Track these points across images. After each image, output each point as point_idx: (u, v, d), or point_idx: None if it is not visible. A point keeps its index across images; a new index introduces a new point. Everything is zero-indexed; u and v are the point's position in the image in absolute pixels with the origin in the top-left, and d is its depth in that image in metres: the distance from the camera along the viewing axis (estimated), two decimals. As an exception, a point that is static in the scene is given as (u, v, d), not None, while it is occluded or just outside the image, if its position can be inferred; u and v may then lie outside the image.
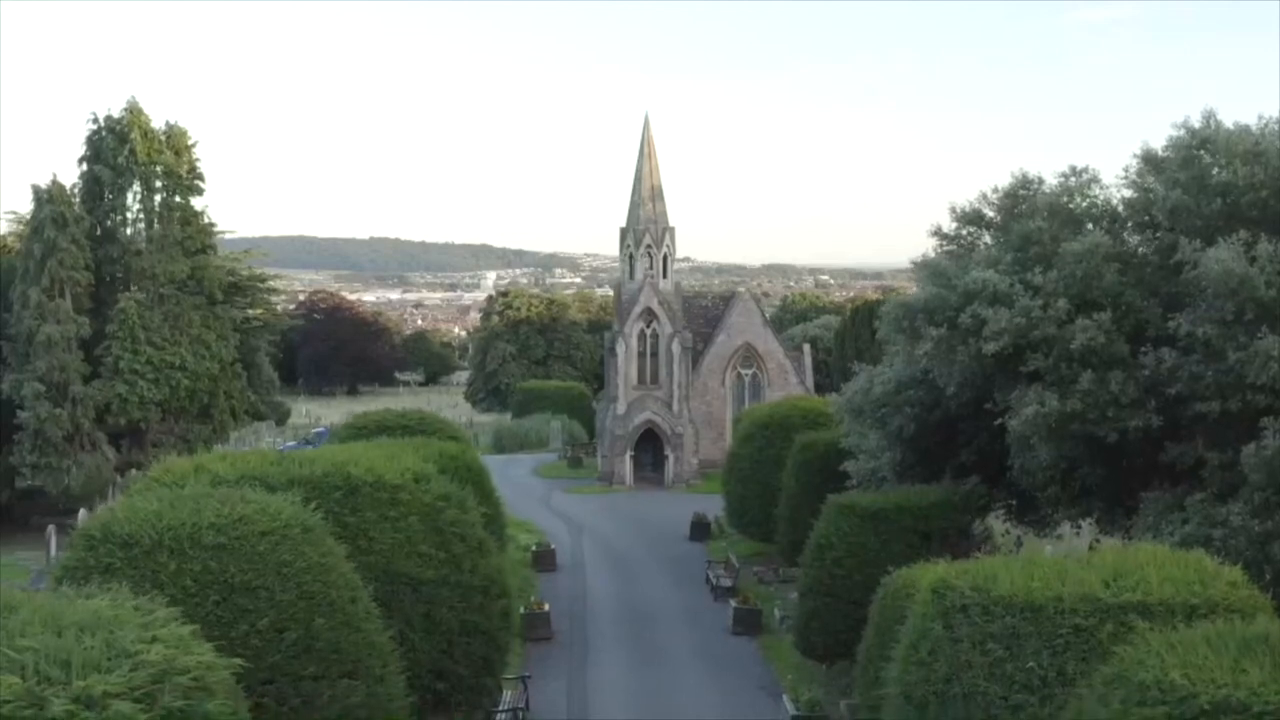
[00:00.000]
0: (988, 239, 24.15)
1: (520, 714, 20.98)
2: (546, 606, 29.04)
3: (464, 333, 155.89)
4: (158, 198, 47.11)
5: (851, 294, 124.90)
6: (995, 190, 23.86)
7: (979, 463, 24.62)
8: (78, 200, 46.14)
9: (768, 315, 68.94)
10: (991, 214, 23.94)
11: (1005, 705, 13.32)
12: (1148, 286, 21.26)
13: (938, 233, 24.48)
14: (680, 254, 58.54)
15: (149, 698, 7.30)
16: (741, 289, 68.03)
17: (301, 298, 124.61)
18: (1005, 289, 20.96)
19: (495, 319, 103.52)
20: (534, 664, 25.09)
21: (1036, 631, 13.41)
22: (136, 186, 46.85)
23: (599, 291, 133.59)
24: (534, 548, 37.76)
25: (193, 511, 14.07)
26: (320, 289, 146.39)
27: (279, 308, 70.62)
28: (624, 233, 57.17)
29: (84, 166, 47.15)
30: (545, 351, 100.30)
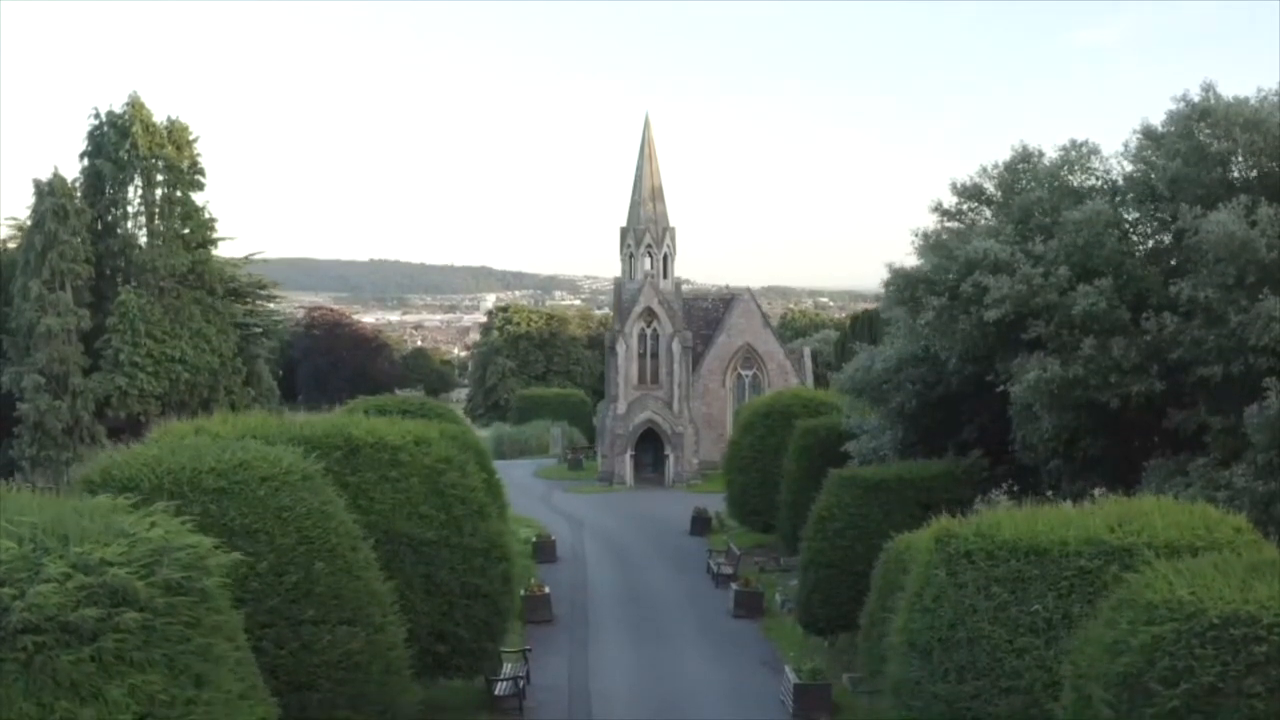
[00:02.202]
0: (988, 214, 24.14)
1: (520, 683, 20.84)
2: (546, 589, 28.91)
3: (464, 353, 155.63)
4: (159, 192, 47.14)
5: (851, 315, 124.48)
6: (995, 165, 23.86)
7: (981, 440, 24.54)
8: (79, 194, 46.14)
9: (767, 329, 68.56)
10: (991, 189, 23.93)
11: (1010, 648, 13.23)
12: (1148, 255, 21.29)
13: (938, 208, 24.45)
14: (679, 274, 58.37)
15: (147, 569, 7.24)
16: (743, 291, 67.57)
17: (300, 314, 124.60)
18: (1006, 258, 20.96)
19: (495, 334, 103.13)
20: (535, 643, 24.94)
21: (1041, 575, 13.33)
22: (137, 180, 46.90)
23: (598, 312, 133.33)
24: (534, 539, 37.59)
25: (193, 457, 14.01)
26: (320, 307, 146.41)
27: (278, 313, 70.53)
28: (624, 233, 57.11)
29: (85, 161, 47.21)
30: (545, 366, 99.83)
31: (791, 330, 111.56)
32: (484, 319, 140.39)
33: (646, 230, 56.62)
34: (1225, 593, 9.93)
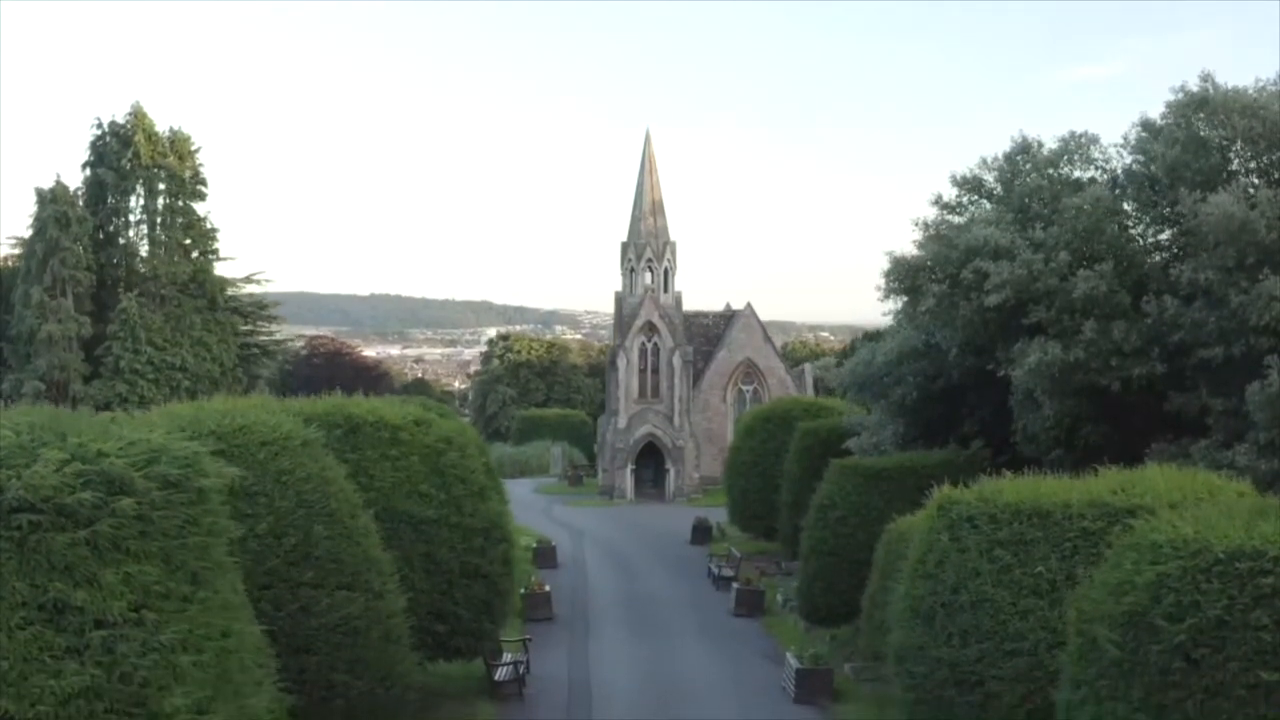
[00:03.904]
0: (988, 207, 24.16)
1: (520, 669, 20.67)
2: (547, 587, 28.75)
3: (464, 385, 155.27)
4: (160, 201, 47.32)
5: (852, 341, 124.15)
6: (995, 157, 23.92)
7: (982, 432, 24.49)
8: (81, 203, 46.29)
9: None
10: (991, 180, 23.96)
11: (1014, 610, 13.15)
12: (1148, 241, 21.33)
13: (938, 202, 24.48)
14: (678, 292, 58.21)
15: (145, 463, 7.18)
16: (743, 306, 67.41)
17: (300, 343, 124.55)
18: (1006, 244, 20.98)
19: (496, 362, 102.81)
20: (535, 638, 24.75)
21: (1044, 536, 13.29)
22: (139, 190, 47.08)
23: (599, 344, 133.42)
24: (535, 545, 37.40)
25: (192, 421, 13.94)
26: (321, 337, 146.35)
27: (279, 333, 70.52)
28: (625, 247, 57.15)
29: (87, 170, 47.43)
30: (546, 394, 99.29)
31: (791, 360, 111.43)
32: (485, 349, 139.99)
33: (647, 244, 56.67)
34: (1230, 531, 9.87)
